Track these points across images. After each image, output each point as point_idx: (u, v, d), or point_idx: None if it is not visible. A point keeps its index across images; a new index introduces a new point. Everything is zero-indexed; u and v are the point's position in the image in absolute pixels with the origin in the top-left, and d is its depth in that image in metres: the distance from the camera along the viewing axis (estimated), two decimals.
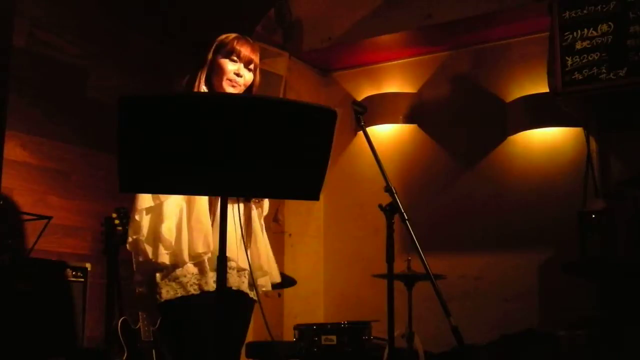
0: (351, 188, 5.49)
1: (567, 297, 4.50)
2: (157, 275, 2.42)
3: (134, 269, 2.50)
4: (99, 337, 3.88)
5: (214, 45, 2.56)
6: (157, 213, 2.41)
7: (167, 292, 2.41)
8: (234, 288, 2.50)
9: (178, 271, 2.41)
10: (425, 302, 3.68)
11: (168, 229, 2.40)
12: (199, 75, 2.54)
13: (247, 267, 2.50)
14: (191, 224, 2.40)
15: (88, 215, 4.30)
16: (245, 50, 2.55)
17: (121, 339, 3.56)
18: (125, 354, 3.54)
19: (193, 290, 2.41)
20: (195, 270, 2.42)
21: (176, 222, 2.41)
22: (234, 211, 2.45)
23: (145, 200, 2.40)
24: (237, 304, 2.54)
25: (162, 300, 2.41)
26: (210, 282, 2.42)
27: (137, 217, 2.42)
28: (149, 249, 2.40)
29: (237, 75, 2.55)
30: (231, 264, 2.48)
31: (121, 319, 3.62)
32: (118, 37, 4.62)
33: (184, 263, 2.39)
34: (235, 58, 2.54)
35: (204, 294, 2.42)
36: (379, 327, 3.85)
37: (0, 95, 3.91)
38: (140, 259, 2.43)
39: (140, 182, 1.89)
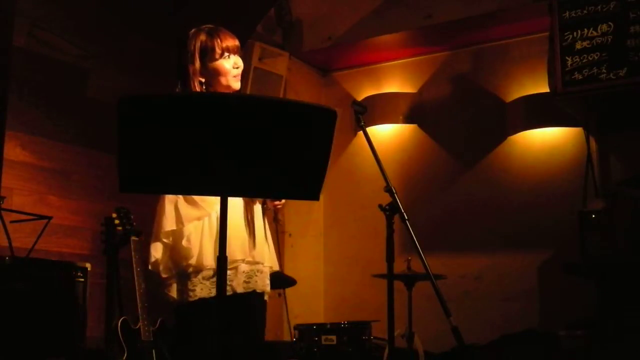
0: (351, 188, 5.49)
1: (567, 297, 4.50)
2: (192, 275, 2.45)
3: (162, 276, 2.50)
4: (99, 337, 3.87)
5: (197, 51, 2.55)
6: (183, 232, 2.45)
7: (202, 290, 2.44)
8: (258, 291, 2.55)
9: (213, 272, 2.44)
10: (425, 302, 3.67)
11: (201, 238, 2.44)
12: (193, 85, 2.53)
13: (274, 265, 2.63)
14: (229, 232, 2.42)
15: (88, 215, 4.30)
16: (231, 42, 2.57)
17: (121, 339, 3.55)
18: (125, 354, 3.53)
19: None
20: (229, 272, 2.45)
21: (215, 231, 2.43)
22: (257, 213, 2.55)
23: (169, 222, 2.44)
24: (264, 305, 2.62)
25: (196, 298, 2.43)
26: (241, 284, 2.50)
27: (165, 240, 2.46)
28: (187, 255, 2.43)
29: (236, 68, 2.59)
30: (263, 268, 2.57)
31: (121, 319, 3.61)
32: (118, 37, 4.61)
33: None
34: (227, 54, 2.56)
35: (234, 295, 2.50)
36: (379, 327, 3.85)
37: (0, 95, 3.91)
38: (173, 267, 2.46)
39: (140, 182, 1.89)
